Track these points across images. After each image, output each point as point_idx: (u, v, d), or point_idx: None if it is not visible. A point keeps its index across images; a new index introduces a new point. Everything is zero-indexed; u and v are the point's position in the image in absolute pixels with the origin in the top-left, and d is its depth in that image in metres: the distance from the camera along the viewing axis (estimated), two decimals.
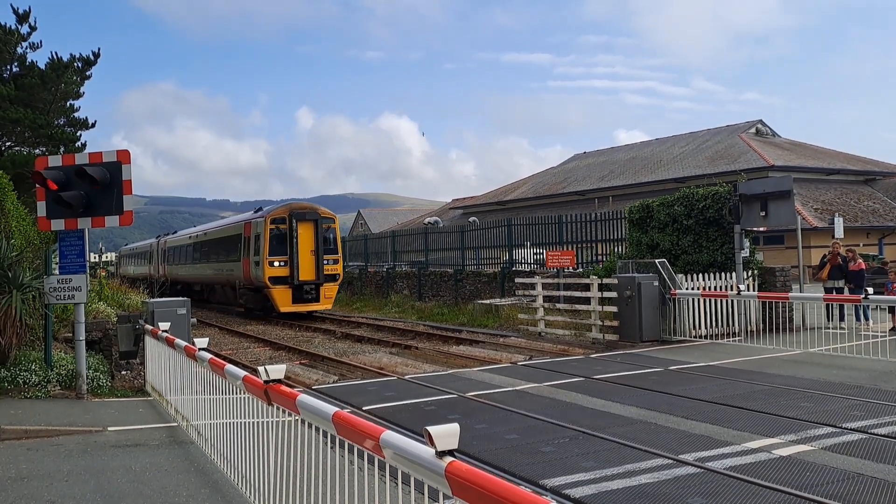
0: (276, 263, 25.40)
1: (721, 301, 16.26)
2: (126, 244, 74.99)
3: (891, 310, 16.78)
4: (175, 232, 44.68)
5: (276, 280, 25.45)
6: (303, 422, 4.59)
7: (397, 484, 3.31)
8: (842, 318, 17.14)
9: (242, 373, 5.88)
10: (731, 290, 16.20)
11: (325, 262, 26.04)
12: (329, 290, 26.48)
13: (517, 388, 11.16)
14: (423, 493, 3.19)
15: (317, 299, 26.03)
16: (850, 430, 7.99)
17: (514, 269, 25.65)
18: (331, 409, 4.05)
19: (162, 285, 43.19)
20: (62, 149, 26.83)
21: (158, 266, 43.45)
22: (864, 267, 18.32)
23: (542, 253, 24.14)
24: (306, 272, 25.68)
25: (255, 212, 28.71)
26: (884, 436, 7.72)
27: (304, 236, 25.85)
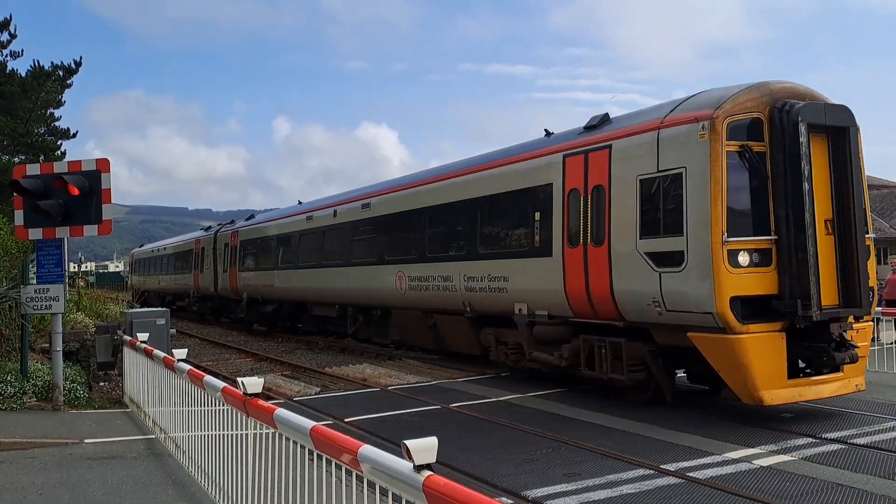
0: (745, 258, 9.02)
1: None
2: (141, 245, 53.26)
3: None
4: (252, 217, 27.66)
5: (749, 308, 8.95)
6: (281, 435, 4.54)
7: (376, 496, 3.27)
8: None
9: (221, 384, 5.81)
10: None
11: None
12: (863, 336, 9.86)
13: (501, 398, 11.14)
14: None
15: (837, 367, 9.21)
16: (830, 440, 8.04)
17: None
18: (308, 423, 4.00)
19: (224, 304, 27.95)
20: (42, 157, 26.57)
21: (220, 274, 27.54)
22: None
23: None
24: (831, 285, 9.26)
25: (590, 129, 11.44)
26: (863, 446, 7.78)
27: (821, 173, 9.37)
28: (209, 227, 32.23)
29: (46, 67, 27.55)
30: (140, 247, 51.82)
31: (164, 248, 39.20)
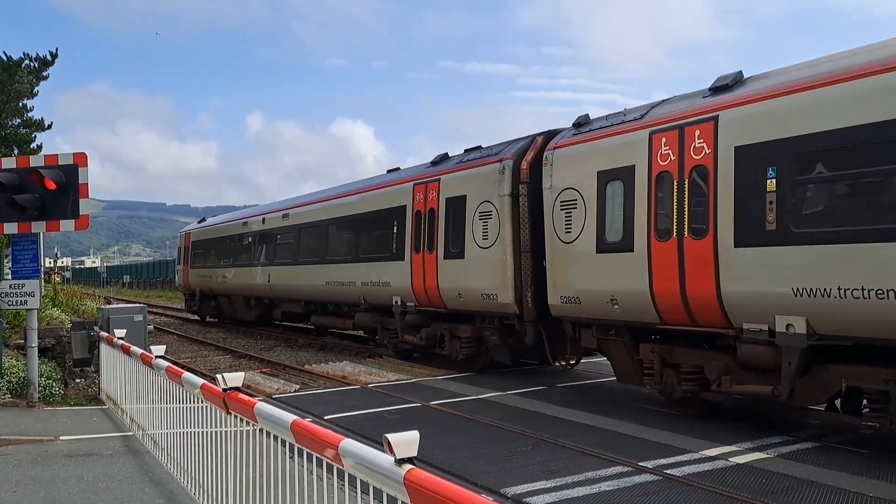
0: None
1: None
2: (195, 223, 30.92)
3: None
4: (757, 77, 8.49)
5: None
6: (261, 430, 4.51)
7: (357, 492, 3.26)
8: None
9: (200, 381, 5.76)
10: None
11: None
12: None
13: (481, 396, 11.16)
14: (383, 502, 3.15)
15: None
16: (805, 438, 8.16)
17: None
18: (289, 416, 3.98)
19: (551, 338, 11.20)
20: (16, 150, 26.11)
21: (564, 261, 10.66)
22: None
23: None
24: None
25: None
26: (836, 444, 7.91)
27: None
28: (442, 158, 14.88)
29: (16, 58, 27.04)
30: (200, 222, 30.36)
31: (285, 216, 20.86)
